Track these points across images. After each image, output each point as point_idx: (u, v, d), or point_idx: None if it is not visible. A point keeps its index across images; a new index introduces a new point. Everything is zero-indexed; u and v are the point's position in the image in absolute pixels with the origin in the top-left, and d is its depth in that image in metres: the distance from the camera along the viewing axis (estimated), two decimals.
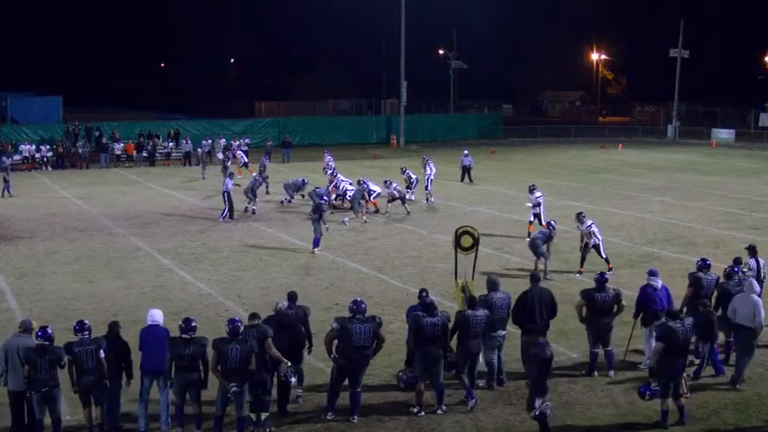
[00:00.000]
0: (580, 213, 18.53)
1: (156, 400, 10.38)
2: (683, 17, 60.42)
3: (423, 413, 10.77)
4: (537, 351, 9.71)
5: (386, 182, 26.10)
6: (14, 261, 19.57)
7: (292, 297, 11.34)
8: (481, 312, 11.18)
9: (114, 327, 10.41)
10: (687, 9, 67.49)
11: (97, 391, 9.96)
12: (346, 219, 24.41)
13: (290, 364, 10.46)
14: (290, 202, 27.89)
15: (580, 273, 18.03)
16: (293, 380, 10.62)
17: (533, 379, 9.66)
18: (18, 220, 25.32)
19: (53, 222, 24.79)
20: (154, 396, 10.39)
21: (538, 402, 9.56)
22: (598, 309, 12.06)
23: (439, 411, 10.82)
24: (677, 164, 42.68)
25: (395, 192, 25.62)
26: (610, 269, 17.59)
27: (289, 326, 10.83)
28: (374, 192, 26.29)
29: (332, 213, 24.35)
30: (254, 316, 10.68)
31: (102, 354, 9.95)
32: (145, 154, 42.45)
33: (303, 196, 27.45)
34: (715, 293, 12.76)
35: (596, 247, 17.96)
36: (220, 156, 39.99)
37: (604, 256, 18.05)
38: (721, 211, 26.83)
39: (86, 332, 10.01)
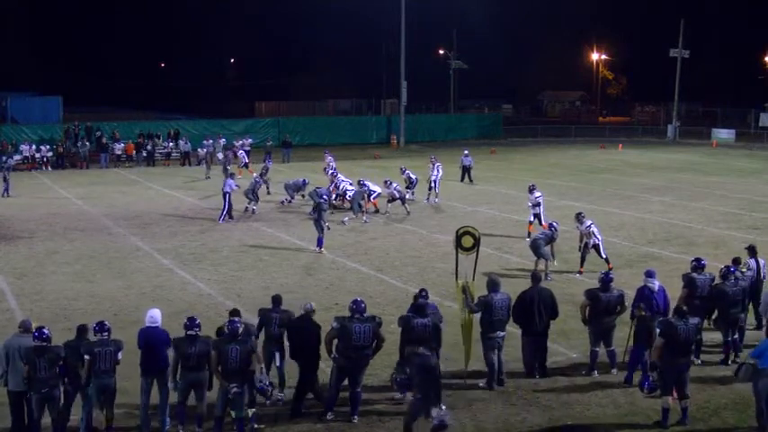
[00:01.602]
0: (579, 214, 18.53)
1: (153, 406, 10.41)
2: (683, 17, 60.42)
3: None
4: (420, 360, 9.49)
5: (386, 182, 26.12)
6: (14, 261, 19.57)
7: (276, 300, 11.39)
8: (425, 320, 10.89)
9: (83, 331, 10.30)
10: (687, 9, 67.51)
11: (109, 392, 9.96)
12: (346, 219, 24.41)
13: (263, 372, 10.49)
14: (290, 202, 27.89)
15: (580, 273, 18.04)
16: (270, 392, 10.62)
17: (421, 389, 9.39)
18: (18, 220, 25.32)
19: (53, 222, 24.79)
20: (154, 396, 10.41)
21: (435, 412, 9.26)
22: (602, 308, 12.06)
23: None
24: (677, 164, 42.68)
25: (395, 192, 25.63)
26: (610, 269, 17.57)
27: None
28: (374, 192, 26.31)
29: (332, 213, 24.36)
30: (235, 313, 10.68)
31: (119, 356, 9.97)
32: (144, 154, 42.43)
33: (303, 196, 27.46)
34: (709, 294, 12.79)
35: (596, 247, 17.96)
36: (220, 156, 39.95)
37: (604, 256, 18.05)
38: (721, 211, 26.83)
39: (106, 333, 9.99)
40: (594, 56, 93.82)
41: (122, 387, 10.57)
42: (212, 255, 20.30)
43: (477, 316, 11.89)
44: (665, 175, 37.35)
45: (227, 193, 24.75)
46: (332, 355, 10.65)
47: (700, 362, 12.47)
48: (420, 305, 10.96)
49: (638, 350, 11.82)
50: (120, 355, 9.96)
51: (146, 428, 10.28)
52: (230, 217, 24.90)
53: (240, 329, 10.08)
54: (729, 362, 12.57)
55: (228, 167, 30.10)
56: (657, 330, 10.87)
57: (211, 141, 41.71)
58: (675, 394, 10.52)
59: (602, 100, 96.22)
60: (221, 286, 17.26)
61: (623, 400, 11.30)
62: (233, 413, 9.98)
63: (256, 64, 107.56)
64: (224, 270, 18.66)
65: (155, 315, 10.54)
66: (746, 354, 11.79)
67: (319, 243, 20.40)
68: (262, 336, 11.25)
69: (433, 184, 28.62)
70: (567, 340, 13.53)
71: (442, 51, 77.89)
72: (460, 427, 10.42)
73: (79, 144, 42.16)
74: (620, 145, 53.28)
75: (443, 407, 9.36)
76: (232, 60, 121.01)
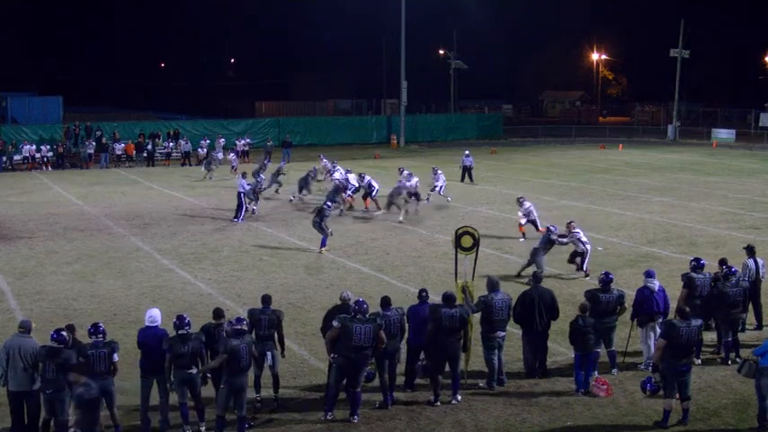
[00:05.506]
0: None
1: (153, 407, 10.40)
2: (683, 17, 60.45)
3: (439, 403, 10.97)
4: (81, 391, 9.08)
5: (402, 172, 26.96)
6: (14, 261, 19.57)
7: (266, 300, 11.32)
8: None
9: (71, 330, 10.26)
10: (687, 9, 67.54)
11: (108, 395, 9.91)
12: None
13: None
14: (300, 199, 28.07)
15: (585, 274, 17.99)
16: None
17: (80, 420, 9.19)
18: (18, 220, 25.32)
19: (53, 222, 24.79)
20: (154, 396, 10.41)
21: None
22: (602, 309, 12.05)
23: (453, 401, 11.03)
24: (677, 164, 42.67)
25: (413, 186, 25.78)
26: (586, 276, 17.42)
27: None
28: (374, 188, 26.45)
29: (344, 212, 25.43)
30: (219, 314, 10.71)
31: (115, 357, 9.94)
32: (145, 154, 42.40)
33: (310, 191, 28.02)
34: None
35: (582, 255, 17.71)
36: (220, 156, 39.97)
37: (585, 267, 17.74)
38: (721, 211, 26.82)
39: (101, 335, 9.95)
40: (594, 56, 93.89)
41: (122, 387, 10.57)
42: (212, 255, 20.30)
43: (478, 316, 11.91)
44: (666, 175, 37.33)
45: (241, 192, 24.86)
46: (331, 355, 10.65)
47: (699, 361, 12.47)
48: (449, 296, 11.14)
49: (578, 358, 11.68)
50: (116, 357, 9.91)
51: (146, 428, 10.28)
52: (236, 217, 24.91)
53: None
54: (729, 362, 12.57)
55: (236, 167, 30.46)
56: (659, 331, 10.88)
57: (208, 142, 41.76)
58: (677, 396, 10.53)
59: (602, 100, 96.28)
60: (221, 286, 17.26)
61: (623, 400, 11.30)
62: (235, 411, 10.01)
63: (256, 64, 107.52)
64: (224, 270, 18.67)
65: (154, 315, 10.53)
66: (748, 353, 11.82)
67: (323, 244, 20.46)
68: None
69: (436, 190, 28.52)
70: (568, 340, 13.51)
71: (442, 51, 77.87)
72: (460, 428, 10.43)
73: (86, 143, 41.96)
74: (621, 145, 53.26)
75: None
76: (232, 60, 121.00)
